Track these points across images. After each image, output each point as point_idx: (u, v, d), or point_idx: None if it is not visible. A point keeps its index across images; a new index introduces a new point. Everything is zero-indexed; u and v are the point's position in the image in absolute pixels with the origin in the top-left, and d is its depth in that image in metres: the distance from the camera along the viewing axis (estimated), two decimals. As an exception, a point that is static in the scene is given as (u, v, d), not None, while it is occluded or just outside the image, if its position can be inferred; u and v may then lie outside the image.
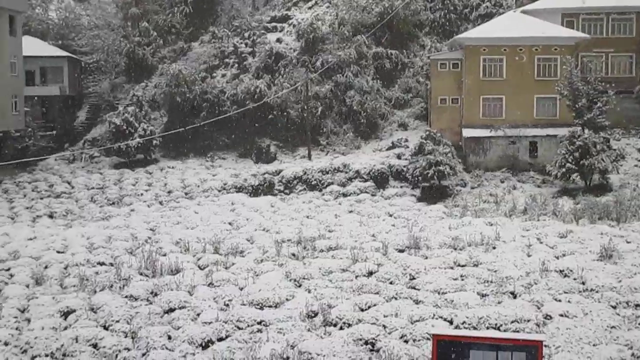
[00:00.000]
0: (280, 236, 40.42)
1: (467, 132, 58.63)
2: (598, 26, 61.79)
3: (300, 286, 32.02)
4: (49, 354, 25.35)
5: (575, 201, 47.92)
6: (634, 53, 61.71)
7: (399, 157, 58.44)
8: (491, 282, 31.12)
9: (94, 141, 69.28)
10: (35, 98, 73.96)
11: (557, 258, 34.25)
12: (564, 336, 24.64)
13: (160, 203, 54.04)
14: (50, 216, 50.66)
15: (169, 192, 56.36)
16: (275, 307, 29.30)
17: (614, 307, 27.76)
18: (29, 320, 29.04)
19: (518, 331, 25.16)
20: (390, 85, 69.04)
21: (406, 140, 61.42)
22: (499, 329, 25.73)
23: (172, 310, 29.27)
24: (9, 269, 36.03)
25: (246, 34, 74.54)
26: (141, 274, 34.24)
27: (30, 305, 30.64)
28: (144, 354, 25.11)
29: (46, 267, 35.98)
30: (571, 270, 31.78)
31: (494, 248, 36.61)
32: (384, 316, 27.42)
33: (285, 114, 65.88)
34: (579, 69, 55.92)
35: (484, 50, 59.14)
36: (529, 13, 62.06)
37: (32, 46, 73.94)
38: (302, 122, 64.72)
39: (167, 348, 25.43)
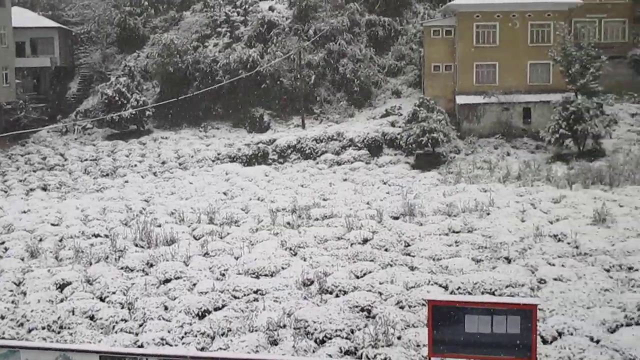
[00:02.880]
0: (275, 205, 40.39)
1: (461, 99, 58.56)
2: (591, -8, 61.61)
3: (295, 255, 32.04)
4: (46, 327, 25.12)
5: (569, 166, 48.08)
6: (627, 18, 61.46)
7: (392, 124, 58.38)
8: (486, 247, 31.19)
9: (86, 113, 69.05)
10: (26, 70, 73.60)
11: (551, 223, 34.33)
12: (558, 300, 24.73)
13: (154, 174, 53.99)
14: (44, 189, 50.46)
15: (163, 162, 56.28)
16: (271, 275, 29.31)
17: (607, 271, 27.87)
18: (24, 294, 28.83)
19: (513, 296, 25.26)
20: (383, 52, 68.81)
21: (400, 108, 61.32)
22: (493, 293, 25.82)
23: (168, 280, 29.24)
24: (3, 243, 35.80)
25: (238, 3, 74.12)
26: (136, 245, 34.15)
27: (26, 278, 30.46)
28: (140, 325, 25.10)
29: (41, 240, 35.78)
30: (565, 235, 31.89)
31: (488, 214, 36.65)
32: (380, 283, 27.45)
33: (278, 83, 65.67)
34: (572, 34, 55.75)
35: (477, 16, 58.91)
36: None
37: (22, 17, 73.40)
38: (296, 91, 64.53)
39: (164, 318, 25.39)
